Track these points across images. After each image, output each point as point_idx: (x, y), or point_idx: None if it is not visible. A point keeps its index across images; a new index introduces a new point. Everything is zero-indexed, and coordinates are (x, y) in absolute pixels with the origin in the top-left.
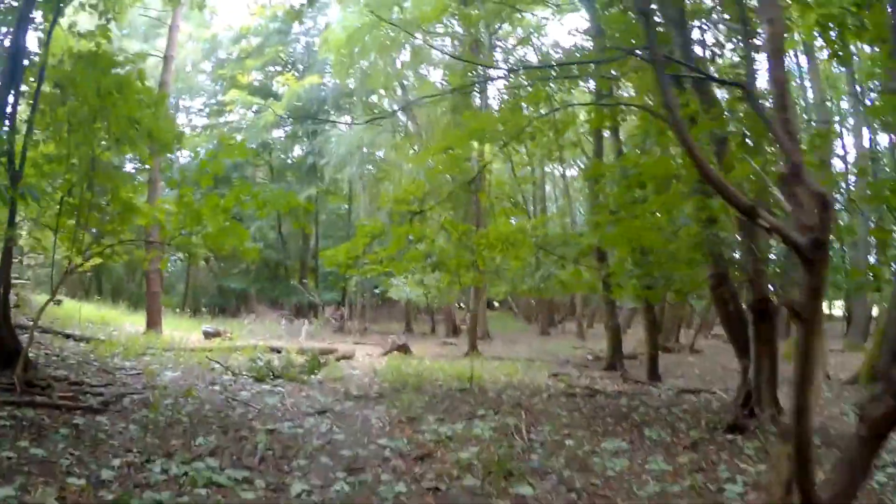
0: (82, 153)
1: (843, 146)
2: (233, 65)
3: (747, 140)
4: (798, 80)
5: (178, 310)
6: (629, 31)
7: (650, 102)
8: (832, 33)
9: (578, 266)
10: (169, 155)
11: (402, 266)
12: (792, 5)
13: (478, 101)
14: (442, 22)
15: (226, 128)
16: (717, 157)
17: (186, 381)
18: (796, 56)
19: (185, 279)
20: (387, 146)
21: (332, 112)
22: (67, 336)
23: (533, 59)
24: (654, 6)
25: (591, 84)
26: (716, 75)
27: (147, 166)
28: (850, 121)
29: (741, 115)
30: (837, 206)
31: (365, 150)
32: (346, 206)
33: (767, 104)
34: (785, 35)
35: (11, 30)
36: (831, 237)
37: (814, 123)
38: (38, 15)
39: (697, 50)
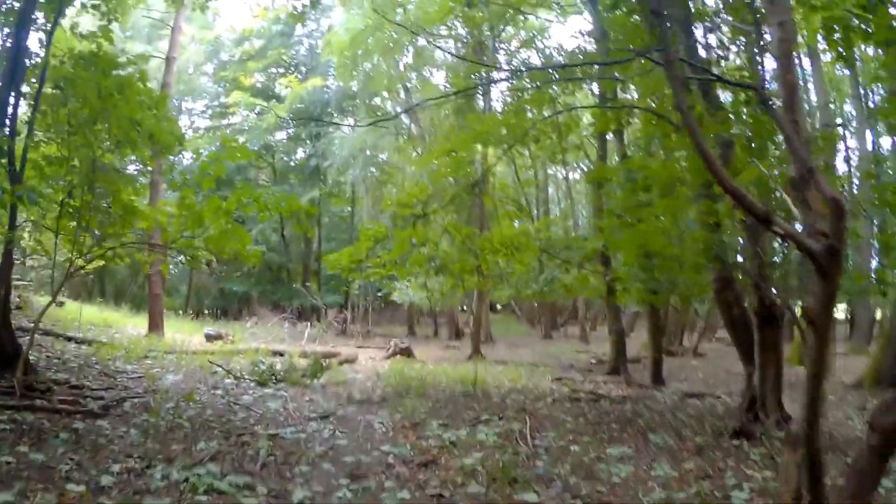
0: (83, 155)
1: (847, 149)
2: (235, 67)
3: (751, 143)
4: (801, 83)
5: (180, 312)
6: (633, 34)
7: (653, 105)
8: (837, 36)
9: (584, 270)
10: (171, 157)
11: (405, 270)
12: (796, 7)
13: (481, 104)
14: (445, 24)
15: (228, 130)
16: (723, 161)
17: (188, 384)
18: (799, 58)
19: (187, 281)
20: (390, 149)
21: (335, 114)
22: (69, 338)
23: (536, 61)
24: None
25: (595, 88)
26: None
27: (149, 168)
28: (853, 123)
29: (745, 118)
30: None
31: (368, 152)
32: (349, 209)
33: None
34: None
35: (12, 31)
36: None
37: (817, 126)
38: (39, 16)
39: (701, 52)
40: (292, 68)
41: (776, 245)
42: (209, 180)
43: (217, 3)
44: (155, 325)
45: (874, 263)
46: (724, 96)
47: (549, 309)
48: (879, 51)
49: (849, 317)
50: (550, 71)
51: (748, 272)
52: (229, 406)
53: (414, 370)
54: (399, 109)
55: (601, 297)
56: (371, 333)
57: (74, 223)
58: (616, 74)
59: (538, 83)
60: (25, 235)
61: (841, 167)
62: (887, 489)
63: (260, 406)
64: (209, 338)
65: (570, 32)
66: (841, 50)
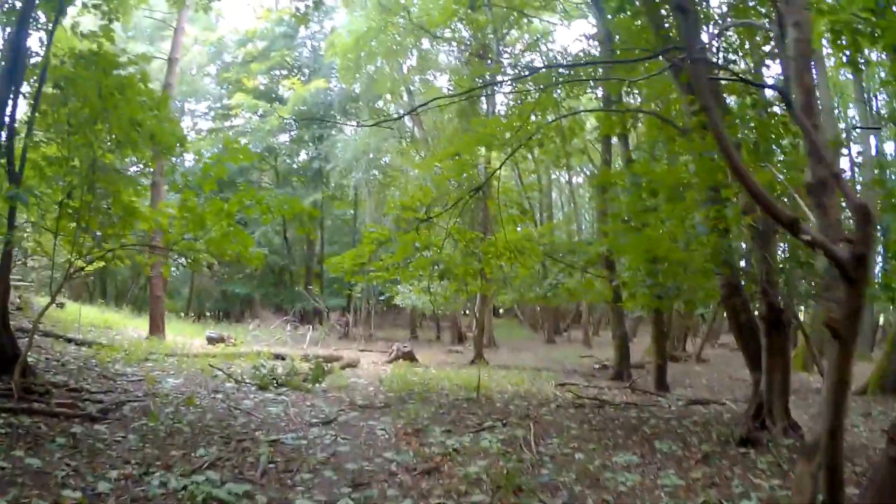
0: (83, 155)
1: (850, 154)
2: (238, 68)
3: (757, 148)
4: None
5: (182, 314)
6: (638, 36)
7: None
8: (844, 39)
9: (589, 275)
10: (173, 159)
11: (408, 274)
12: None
13: (485, 107)
14: (449, 27)
15: (231, 132)
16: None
17: (188, 388)
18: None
19: (189, 284)
20: (393, 152)
21: (338, 117)
22: (69, 340)
23: (540, 65)
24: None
25: (600, 92)
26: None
27: (150, 169)
28: (857, 129)
29: (751, 121)
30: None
31: (371, 155)
32: (352, 212)
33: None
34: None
35: (12, 30)
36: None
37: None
38: (40, 16)
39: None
40: (295, 70)
41: (779, 252)
42: (211, 182)
43: (220, 4)
44: (156, 328)
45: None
46: (729, 100)
47: (551, 313)
48: (884, 55)
49: None
50: (556, 72)
51: (756, 278)
52: (230, 411)
53: (416, 375)
54: (402, 112)
55: (606, 302)
56: (373, 337)
57: (74, 224)
58: (620, 77)
59: (542, 86)
60: (26, 236)
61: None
62: None
63: (261, 411)
64: (211, 340)
65: (575, 36)
66: (847, 54)
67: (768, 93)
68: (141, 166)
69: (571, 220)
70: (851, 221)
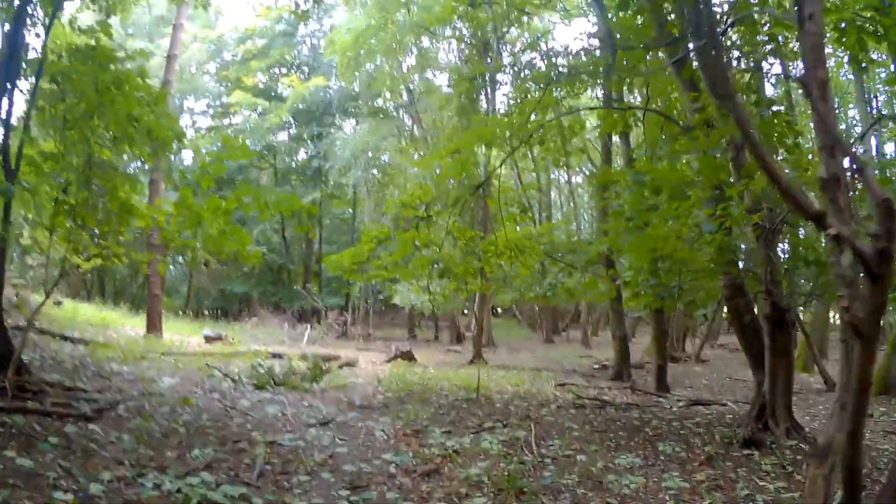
0: (79, 151)
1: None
2: (237, 66)
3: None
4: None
5: (180, 312)
6: (640, 34)
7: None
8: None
9: (591, 275)
10: (172, 157)
11: (408, 272)
12: None
13: (484, 106)
14: (449, 25)
15: (230, 130)
16: (734, 165)
17: (185, 387)
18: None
19: (187, 282)
20: (392, 150)
21: (337, 115)
22: (65, 338)
23: (540, 64)
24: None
25: (600, 92)
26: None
27: (147, 166)
28: (857, 128)
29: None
30: None
31: (370, 154)
32: (351, 211)
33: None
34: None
35: (8, 25)
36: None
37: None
38: (38, 11)
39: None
40: (295, 68)
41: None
42: (209, 179)
43: (219, 1)
44: (153, 326)
45: None
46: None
47: (550, 313)
48: (884, 56)
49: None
50: (556, 69)
51: (760, 277)
52: (226, 411)
53: (415, 375)
54: (401, 111)
55: (608, 302)
56: (371, 336)
57: (70, 221)
58: (622, 76)
59: (543, 84)
60: (25, 233)
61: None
62: None
63: (258, 411)
64: (208, 339)
65: (575, 35)
66: (855, 53)
67: (770, 91)
68: (139, 163)
69: (571, 219)
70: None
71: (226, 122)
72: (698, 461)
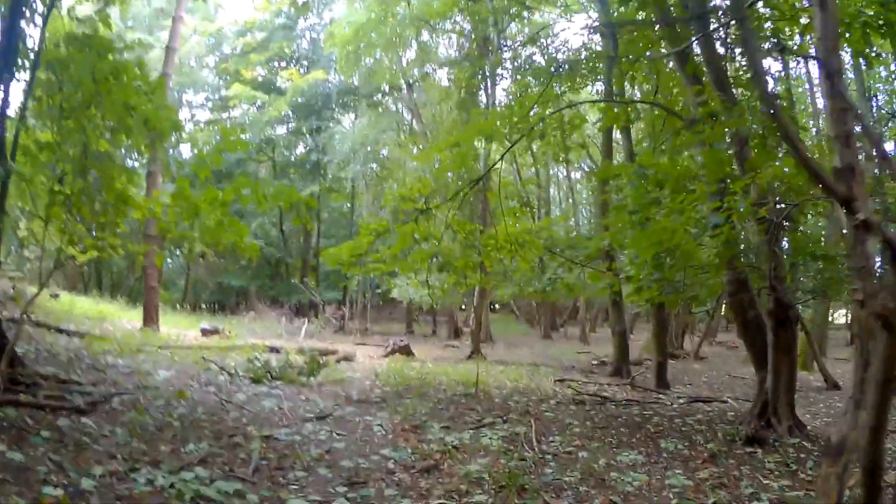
0: (75, 140)
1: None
2: (237, 59)
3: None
4: (809, 85)
5: (177, 306)
6: (643, 31)
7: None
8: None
9: (592, 269)
10: (170, 150)
11: (407, 265)
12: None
13: (484, 100)
14: (450, 18)
15: (229, 123)
16: (738, 158)
17: (180, 381)
18: (806, 62)
19: (185, 275)
20: (391, 144)
21: (336, 109)
22: (60, 331)
23: (540, 59)
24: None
25: (600, 86)
26: (731, 77)
27: (145, 158)
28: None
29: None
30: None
31: (369, 148)
32: (349, 205)
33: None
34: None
35: (5, 14)
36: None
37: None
38: (37, 1)
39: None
40: (294, 61)
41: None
42: (206, 169)
43: None
44: (150, 319)
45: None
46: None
47: (548, 309)
48: (883, 54)
49: (849, 322)
50: (556, 61)
51: (764, 273)
52: (222, 404)
53: (413, 369)
54: (400, 105)
55: (608, 297)
56: (369, 331)
57: (66, 211)
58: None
59: (545, 79)
60: (21, 226)
61: None
62: None
63: (254, 405)
64: (205, 332)
65: (575, 31)
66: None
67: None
68: (136, 155)
69: (569, 215)
70: None
71: (225, 115)
72: (701, 458)
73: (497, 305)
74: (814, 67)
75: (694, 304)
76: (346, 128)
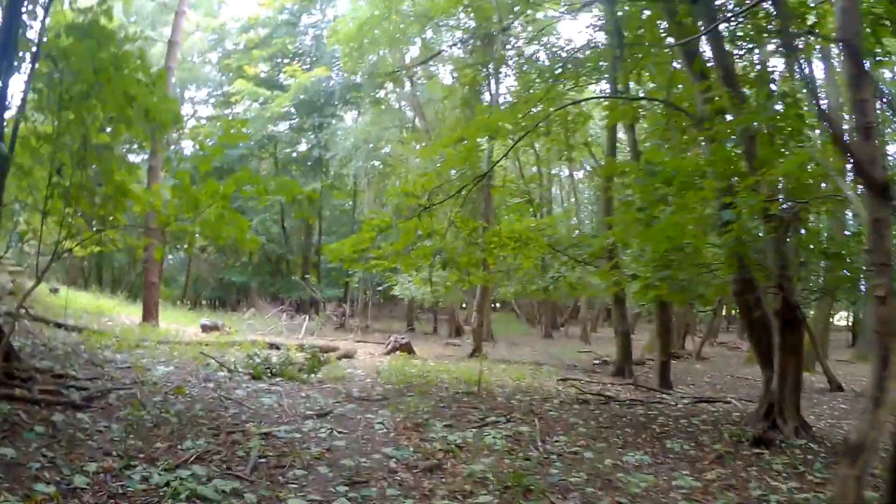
0: (74, 131)
1: None
2: (240, 55)
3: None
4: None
5: (178, 302)
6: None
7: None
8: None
9: (596, 268)
10: (172, 146)
11: (410, 262)
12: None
13: (488, 98)
14: (454, 15)
15: (231, 119)
16: (747, 155)
17: (179, 376)
18: (810, 63)
19: (185, 271)
20: (393, 141)
21: (339, 105)
22: (58, 325)
23: (543, 57)
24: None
25: (605, 85)
26: (737, 75)
27: (146, 150)
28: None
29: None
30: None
31: (371, 144)
32: (351, 202)
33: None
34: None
35: (4, 6)
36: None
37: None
38: None
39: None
40: (297, 58)
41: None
42: (207, 161)
43: None
44: (149, 315)
45: None
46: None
47: (549, 308)
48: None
49: (850, 323)
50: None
51: (771, 272)
52: (221, 401)
53: (414, 367)
54: (404, 102)
55: (611, 296)
56: (370, 328)
57: (65, 205)
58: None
59: (549, 77)
60: (21, 220)
61: None
62: None
63: (253, 401)
64: (205, 328)
65: (580, 29)
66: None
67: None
68: (137, 148)
69: (572, 214)
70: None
71: (227, 111)
72: (708, 460)
73: (498, 304)
74: (816, 68)
75: (705, 303)
76: (348, 124)
